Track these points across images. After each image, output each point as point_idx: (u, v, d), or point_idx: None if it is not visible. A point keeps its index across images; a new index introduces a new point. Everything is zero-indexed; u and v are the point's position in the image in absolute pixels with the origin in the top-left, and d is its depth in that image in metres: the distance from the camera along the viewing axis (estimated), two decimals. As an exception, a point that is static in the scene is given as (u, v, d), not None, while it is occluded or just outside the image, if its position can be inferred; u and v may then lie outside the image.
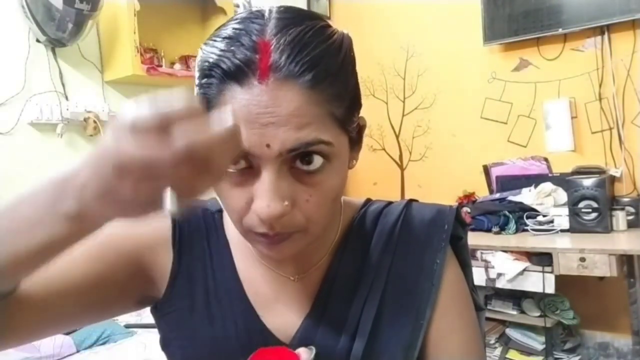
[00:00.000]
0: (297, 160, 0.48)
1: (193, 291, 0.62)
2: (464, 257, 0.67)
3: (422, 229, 0.63)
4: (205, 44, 0.51)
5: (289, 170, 0.48)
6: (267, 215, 0.46)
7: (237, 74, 0.46)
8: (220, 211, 0.66)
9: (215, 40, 0.49)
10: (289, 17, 0.49)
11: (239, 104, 0.46)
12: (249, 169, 0.48)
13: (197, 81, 0.50)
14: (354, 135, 0.54)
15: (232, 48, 0.47)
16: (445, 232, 0.63)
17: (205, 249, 0.64)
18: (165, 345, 0.65)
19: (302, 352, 0.45)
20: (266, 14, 0.49)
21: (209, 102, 0.48)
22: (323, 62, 0.47)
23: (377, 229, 0.64)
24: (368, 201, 0.69)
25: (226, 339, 0.61)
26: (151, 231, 0.63)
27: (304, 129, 0.46)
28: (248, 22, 0.49)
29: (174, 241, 0.63)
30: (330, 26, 0.51)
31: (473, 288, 0.68)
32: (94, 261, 0.57)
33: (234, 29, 0.49)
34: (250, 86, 0.46)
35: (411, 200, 0.68)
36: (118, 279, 0.59)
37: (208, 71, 0.48)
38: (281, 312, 0.62)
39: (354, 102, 0.52)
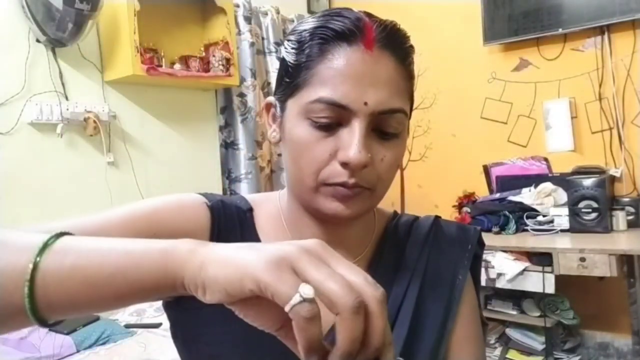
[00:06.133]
0: (380, 125, 0.55)
1: None
2: (476, 275, 0.72)
3: (449, 244, 0.69)
4: (292, 32, 0.58)
5: (372, 130, 0.55)
6: (357, 160, 0.53)
7: (348, 35, 0.54)
8: (250, 210, 0.66)
9: (304, 23, 0.57)
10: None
11: (345, 60, 0.53)
12: (337, 124, 0.55)
13: (290, 52, 0.57)
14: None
15: (338, 18, 0.55)
16: (469, 252, 0.68)
17: None
18: (190, 341, 0.64)
19: None
20: None
21: (303, 65, 0.55)
22: (407, 44, 0.58)
23: (410, 239, 0.69)
24: (396, 214, 0.74)
25: (259, 336, 0.60)
26: (191, 223, 0.61)
27: (394, 97, 0.55)
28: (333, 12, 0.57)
29: (212, 235, 0.61)
30: None
31: (479, 304, 0.73)
32: (130, 232, 0.55)
33: (323, 14, 0.56)
34: (358, 48, 0.53)
35: (437, 217, 0.73)
36: None
37: (309, 36, 0.55)
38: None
39: (413, 96, 0.61)
